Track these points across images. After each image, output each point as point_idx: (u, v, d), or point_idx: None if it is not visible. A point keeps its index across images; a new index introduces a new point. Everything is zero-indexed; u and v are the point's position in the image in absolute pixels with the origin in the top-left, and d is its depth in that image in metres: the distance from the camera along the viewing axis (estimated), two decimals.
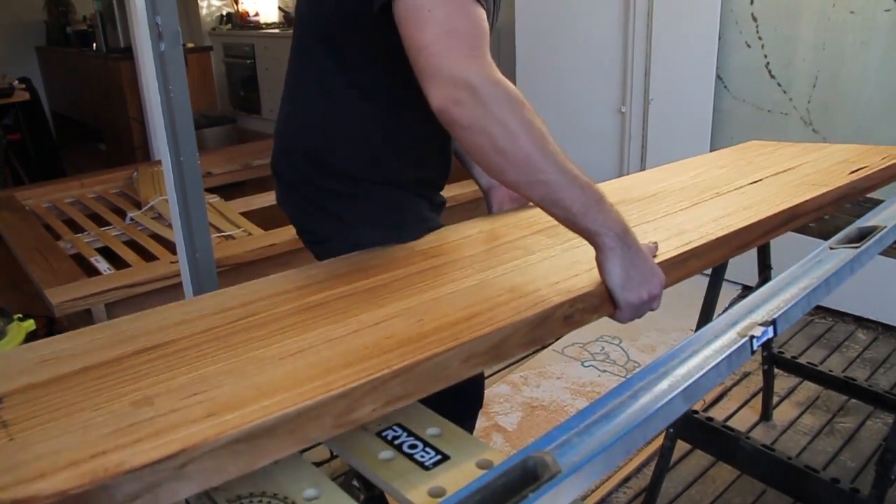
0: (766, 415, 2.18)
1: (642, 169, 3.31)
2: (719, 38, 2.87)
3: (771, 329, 0.86)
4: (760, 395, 2.20)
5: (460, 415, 1.24)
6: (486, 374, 2.47)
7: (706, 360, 0.80)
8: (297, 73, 1.21)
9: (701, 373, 0.77)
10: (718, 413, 2.23)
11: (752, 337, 0.83)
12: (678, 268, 1.06)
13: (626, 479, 1.96)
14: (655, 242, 1.05)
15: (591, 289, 0.95)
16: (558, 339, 2.67)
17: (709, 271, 1.67)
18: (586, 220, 0.90)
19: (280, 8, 6.76)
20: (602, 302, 0.96)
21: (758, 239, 1.23)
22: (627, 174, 3.35)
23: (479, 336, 0.84)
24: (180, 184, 1.65)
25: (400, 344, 0.83)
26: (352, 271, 1.06)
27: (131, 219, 3.31)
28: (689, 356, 0.81)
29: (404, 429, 0.91)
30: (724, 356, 0.80)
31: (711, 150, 3.01)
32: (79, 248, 3.01)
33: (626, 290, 0.93)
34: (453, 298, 0.95)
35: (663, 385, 0.75)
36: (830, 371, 1.88)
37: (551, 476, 0.62)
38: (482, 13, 0.90)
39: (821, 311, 2.81)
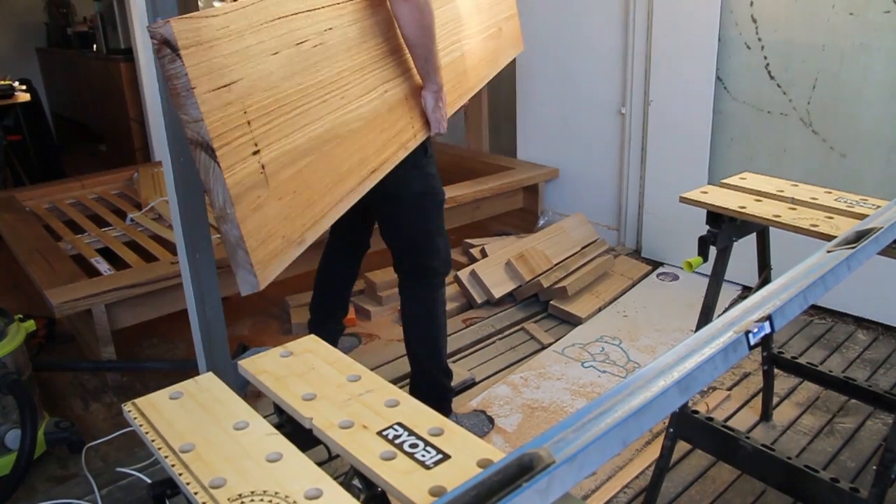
0: (766, 415, 2.18)
1: (643, 172, 3.31)
2: (719, 40, 2.88)
3: (767, 324, 0.86)
4: (760, 396, 2.21)
5: None
6: (484, 376, 2.48)
7: (702, 353, 0.81)
8: None
9: (695, 364, 0.77)
10: (718, 413, 2.23)
11: (748, 332, 0.83)
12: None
13: (628, 483, 1.96)
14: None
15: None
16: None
17: (709, 271, 1.68)
18: (433, 72, 1.77)
19: None
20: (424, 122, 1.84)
21: None
22: (628, 176, 3.37)
23: None
24: (181, 184, 1.66)
25: None
26: None
27: (132, 220, 3.31)
28: (687, 353, 0.81)
29: (405, 428, 0.91)
30: (718, 349, 0.80)
31: (711, 152, 3.02)
32: (79, 248, 3.01)
33: (434, 112, 1.82)
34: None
35: (659, 379, 0.76)
36: (830, 371, 1.88)
37: (545, 466, 0.62)
38: None
39: (821, 311, 2.81)
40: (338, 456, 0.94)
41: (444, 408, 2.17)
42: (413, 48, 1.72)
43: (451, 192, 3.34)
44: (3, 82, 4.70)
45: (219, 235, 1.14)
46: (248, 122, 1.18)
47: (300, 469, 0.86)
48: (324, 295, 2.43)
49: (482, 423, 2.20)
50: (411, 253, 2.04)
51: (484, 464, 0.83)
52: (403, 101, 1.74)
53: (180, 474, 0.86)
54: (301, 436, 0.97)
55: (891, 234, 1.18)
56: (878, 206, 1.51)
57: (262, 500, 0.80)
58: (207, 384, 1.08)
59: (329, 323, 2.42)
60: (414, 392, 2.13)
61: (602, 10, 3.27)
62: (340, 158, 1.44)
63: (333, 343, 2.33)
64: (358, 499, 0.81)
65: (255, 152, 1.19)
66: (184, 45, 1.06)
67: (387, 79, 1.66)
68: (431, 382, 2.12)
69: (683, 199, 1.67)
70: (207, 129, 1.08)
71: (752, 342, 0.84)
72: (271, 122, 1.24)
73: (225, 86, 1.14)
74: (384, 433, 0.91)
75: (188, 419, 0.98)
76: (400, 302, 2.13)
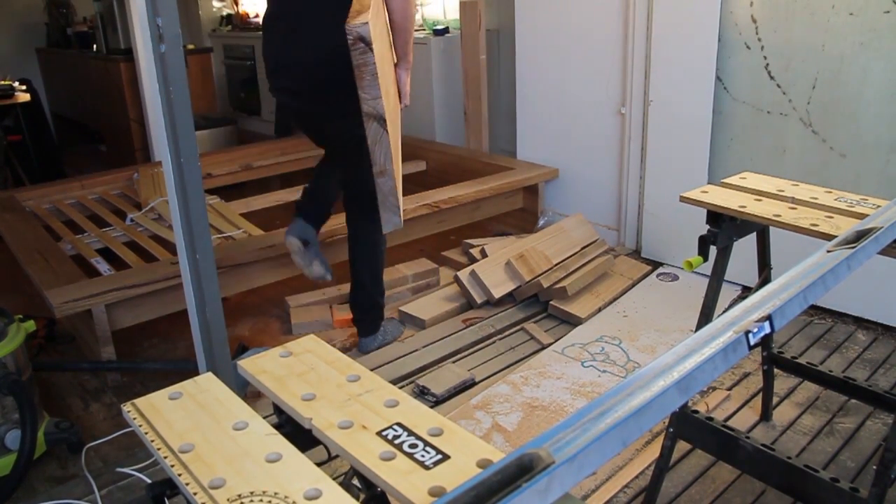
0: (766, 415, 2.18)
1: (642, 172, 3.31)
2: (719, 40, 2.87)
3: (767, 324, 0.86)
4: (760, 396, 2.20)
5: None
6: (484, 376, 2.48)
7: (702, 353, 0.81)
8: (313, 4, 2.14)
9: (695, 364, 0.77)
10: (718, 413, 2.23)
11: (748, 332, 0.83)
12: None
13: (628, 483, 1.96)
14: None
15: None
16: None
17: (709, 271, 1.68)
18: (409, 52, 2.14)
19: None
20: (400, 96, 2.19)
21: None
22: (627, 176, 3.37)
23: None
24: (181, 185, 1.66)
25: None
26: None
27: (132, 220, 3.31)
28: (687, 353, 0.81)
29: (405, 428, 0.91)
30: (718, 349, 0.80)
31: (711, 152, 3.02)
32: (79, 249, 3.01)
33: (404, 86, 2.19)
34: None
35: (659, 379, 0.76)
36: (830, 371, 1.88)
37: (545, 466, 0.62)
38: None
39: (820, 311, 2.81)
40: (337, 456, 0.94)
41: (377, 317, 2.66)
42: (398, 32, 2.08)
43: (451, 192, 3.34)
44: (3, 82, 4.71)
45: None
46: (385, 97, 1.57)
47: (300, 469, 0.86)
48: (313, 194, 2.68)
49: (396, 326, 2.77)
50: (365, 197, 2.33)
51: (483, 464, 0.83)
52: (393, 77, 2.17)
53: (180, 475, 0.86)
54: (301, 436, 0.97)
55: (891, 234, 1.18)
56: (878, 206, 1.51)
57: (261, 500, 0.80)
58: (207, 384, 1.08)
59: (313, 208, 2.65)
60: (354, 304, 2.63)
61: (602, 10, 3.27)
62: (395, 125, 1.86)
63: (315, 223, 2.64)
64: (357, 499, 0.81)
65: (385, 121, 1.63)
66: (373, 40, 1.37)
67: (389, 60, 2.06)
68: (371, 300, 2.61)
69: (684, 199, 1.66)
70: (382, 104, 1.42)
71: (752, 342, 0.84)
72: (386, 98, 1.59)
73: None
74: (384, 433, 0.91)
75: (187, 419, 0.98)
76: (349, 239, 2.54)
